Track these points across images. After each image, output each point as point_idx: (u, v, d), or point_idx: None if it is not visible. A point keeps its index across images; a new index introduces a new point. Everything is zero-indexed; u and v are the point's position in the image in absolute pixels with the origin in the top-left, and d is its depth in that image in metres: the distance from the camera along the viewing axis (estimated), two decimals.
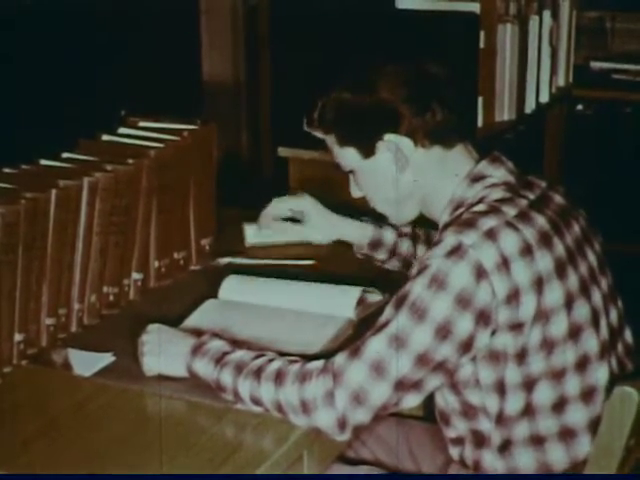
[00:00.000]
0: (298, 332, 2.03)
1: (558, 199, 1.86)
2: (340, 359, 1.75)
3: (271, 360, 1.81)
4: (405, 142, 1.84)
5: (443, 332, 1.69)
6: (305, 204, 2.34)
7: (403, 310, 1.72)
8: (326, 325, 2.06)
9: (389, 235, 2.28)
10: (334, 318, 2.09)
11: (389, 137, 1.84)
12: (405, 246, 2.26)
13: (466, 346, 1.71)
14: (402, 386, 1.72)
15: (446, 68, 1.88)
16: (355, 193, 1.98)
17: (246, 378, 1.79)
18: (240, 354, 1.83)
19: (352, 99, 1.85)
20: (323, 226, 2.32)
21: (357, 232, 2.31)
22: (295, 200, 2.35)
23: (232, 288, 2.19)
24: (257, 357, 1.82)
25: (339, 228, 2.31)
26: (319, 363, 1.77)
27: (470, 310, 1.69)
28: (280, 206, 2.34)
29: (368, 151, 1.87)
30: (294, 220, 2.39)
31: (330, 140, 1.92)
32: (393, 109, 1.82)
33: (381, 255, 2.29)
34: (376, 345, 1.72)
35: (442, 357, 1.71)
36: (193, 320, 2.06)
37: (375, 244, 2.29)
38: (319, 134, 1.94)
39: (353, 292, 2.15)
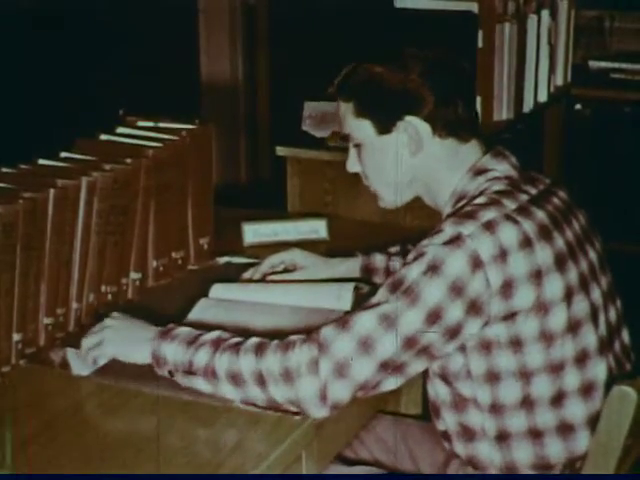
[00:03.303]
0: (304, 326, 2.03)
1: (561, 196, 1.87)
2: (327, 330, 1.75)
3: (251, 337, 1.80)
4: (424, 127, 1.84)
5: (433, 317, 1.70)
6: (294, 255, 2.31)
7: (397, 293, 1.72)
8: (328, 319, 2.05)
9: (379, 258, 2.28)
10: (333, 312, 2.09)
11: (410, 119, 1.84)
12: (398, 265, 2.25)
13: (453, 333, 1.72)
14: (386, 367, 1.73)
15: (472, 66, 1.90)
16: (352, 168, 1.96)
17: (224, 352, 1.77)
18: (217, 333, 1.83)
19: (383, 73, 1.84)
20: (318, 271, 2.30)
21: (349, 266, 2.29)
22: (286, 253, 2.32)
23: (220, 292, 2.19)
24: (234, 336, 1.82)
25: (332, 269, 2.30)
26: (302, 335, 1.77)
27: (462, 299, 1.70)
28: (273, 261, 2.32)
29: (384, 128, 1.86)
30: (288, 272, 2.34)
31: (346, 108, 1.90)
32: (420, 93, 1.83)
33: (379, 280, 2.27)
34: (366, 321, 1.73)
35: (428, 341, 1.72)
36: (192, 319, 2.06)
37: (367, 270, 2.28)
38: (340, 100, 1.91)
39: (347, 286, 2.17)
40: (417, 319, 1.71)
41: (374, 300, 1.76)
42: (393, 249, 2.30)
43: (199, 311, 2.10)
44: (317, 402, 1.74)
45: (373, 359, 1.72)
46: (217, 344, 1.79)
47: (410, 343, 1.72)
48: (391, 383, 1.75)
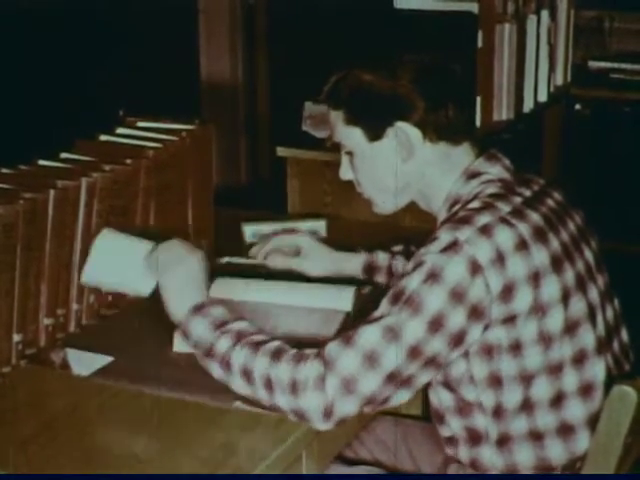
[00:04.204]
0: (304, 326, 2.03)
1: (555, 197, 1.87)
2: (333, 346, 1.74)
3: (273, 339, 1.81)
4: (415, 133, 1.84)
5: (436, 325, 1.70)
6: (302, 240, 2.31)
7: (399, 304, 1.72)
8: (328, 319, 2.06)
9: (382, 257, 2.28)
10: (334, 312, 2.09)
11: (400, 125, 1.84)
12: (400, 265, 2.25)
13: (457, 340, 1.71)
14: (393, 379, 1.72)
15: (466, 67, 1.89)
16: (345, 175, 1.97)
17: (243, 347, 1.77)
18: (243, 324, 1.82)
19: (372, 80, 1.84)
20: (320, 261, 2.29)
21: (352, 262, 2.29)
22: (293, 237, 2.32)
23: (222, 289, 2.19)
24: (258, 332, 1.82)
25: (335, 262, 2.29)
26: (315, 349, 1.77)
27: (463, 305, 1.69)
28: (278, 243, 2.32)
29: (375, 134, 1.86)
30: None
31: (336, 117, 1.90)
32: (410, 99, 1.82)
33: (380, 278, 2.27)
34: (370, 335, 1.72)
35: (433, 351, 1.71)
36: None
37: (369, 268, 2.28)
38: (329, 108, 1.92)
39: (348, 287, 2.17)
40: (420, 328, 1.70)
41: (377, 313, 1.75)
42: (396, 248, 2.29)
43: None
44: (321, 416, 1.73)
45: (379, 373, 1.71)
46: (239, 337, 1.79)
47: (415, 353, 1.71)
48: (400, 396, 1.74)
